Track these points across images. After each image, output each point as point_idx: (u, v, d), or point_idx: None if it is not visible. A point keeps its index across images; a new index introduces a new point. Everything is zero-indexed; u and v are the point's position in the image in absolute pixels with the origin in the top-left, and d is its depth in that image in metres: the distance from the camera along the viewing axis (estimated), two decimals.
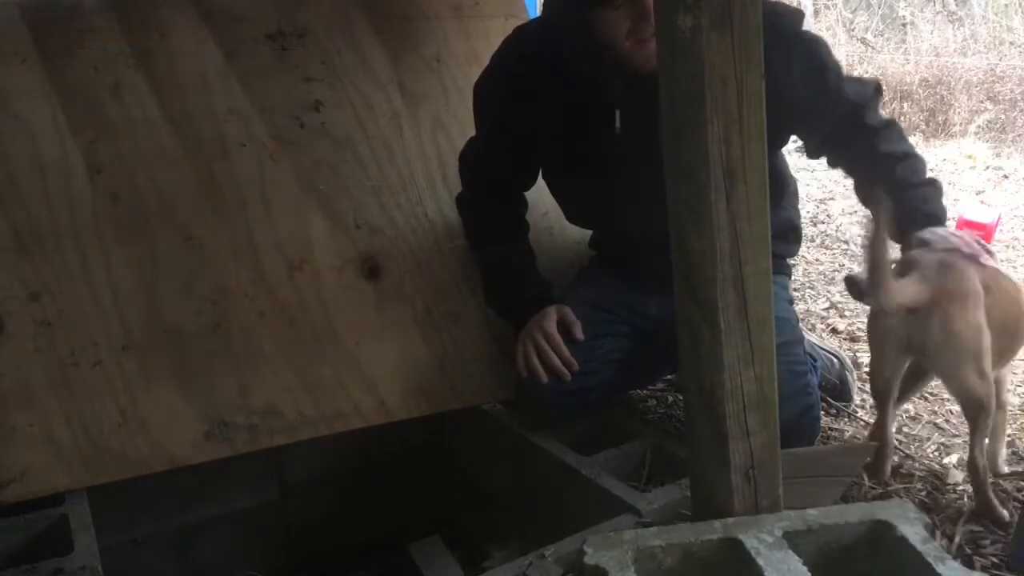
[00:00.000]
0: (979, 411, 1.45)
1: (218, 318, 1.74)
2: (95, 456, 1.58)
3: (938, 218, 1.60)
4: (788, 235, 1.85)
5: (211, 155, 1.81)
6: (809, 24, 8.27)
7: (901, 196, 1.59)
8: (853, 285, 1.83)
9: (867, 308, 2.65)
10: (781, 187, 1.78)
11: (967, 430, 1.83)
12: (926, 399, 2.00)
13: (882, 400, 1.61)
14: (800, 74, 1.58)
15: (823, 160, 1.80)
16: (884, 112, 1.72)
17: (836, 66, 1.66)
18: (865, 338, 2.44)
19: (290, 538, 2.09)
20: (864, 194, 1.73)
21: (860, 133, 1.67)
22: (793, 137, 1.87)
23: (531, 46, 1.73)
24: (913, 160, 1.66)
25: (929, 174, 1.69)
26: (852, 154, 1.73)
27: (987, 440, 1.56)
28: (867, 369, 2.20)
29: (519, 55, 1.76)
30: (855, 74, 1.78)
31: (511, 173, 1.86)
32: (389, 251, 1.91)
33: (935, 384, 2.05)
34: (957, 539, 1.43)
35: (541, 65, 1.68)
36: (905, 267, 1.52)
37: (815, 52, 1.63)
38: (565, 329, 1.77)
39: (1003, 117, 6.12)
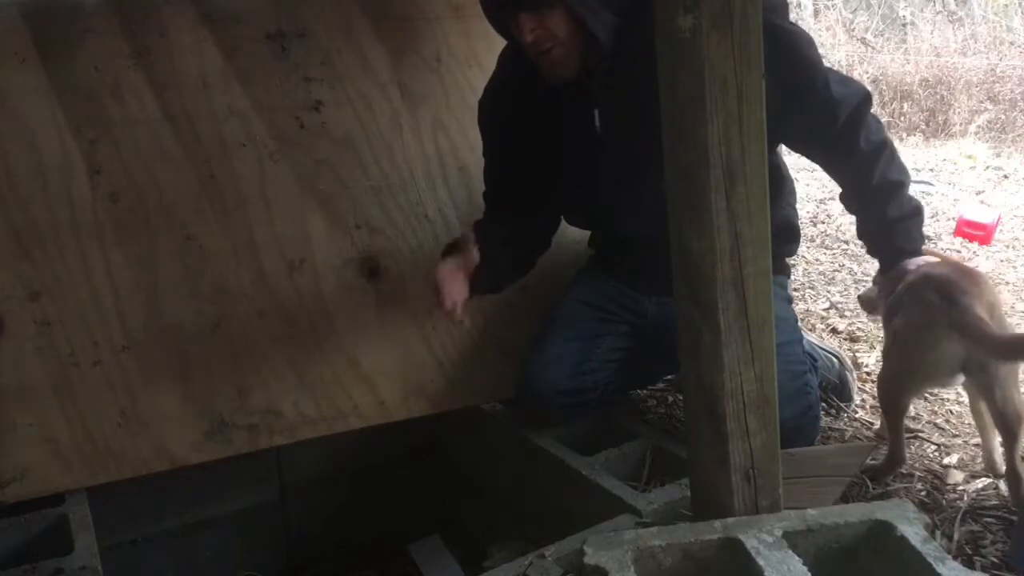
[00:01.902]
0: (1018, 422, 1.48)
1: (218, 318, 1.74)
2: (95, 456, 1.59)
3: (916, 252, 1.69)
4: (786, 234, 1.85)
5: (211, 155, 1.81)
6: (809, 24, 8.29)
7: (886, 232, 1.69)
8: (867, 302, 1.87)
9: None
10: (777, 184, 1.77)
11: (967, 431, 1.84)
12: (926, 399, 2.00)
13: (900, 418, 1.63)
14: (773, 68, 1.55)
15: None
16: (879, 118, 1.71)
17: (815, 63, 1.62)
18: (865, 338, 2.44)
19: (290, 538, 2.09)
20: (849, 205, 1.79)
21: (850, 153, 1.67)
22: None
23: (518, 50, 1.74)
24: (900, 190, 1.69)
25: (919, 190, 1.71)
26: (842, 171, 1.74)
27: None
28: (867, 369, 2.21)
29: (508, 59, 1.78)
30: (851, 75, 1.76)
31: (517, 179, 1.82)
32: (389, 251, 1.91)
33: None
34: (957, 539, 1.43)
35: (527, 68, 1.68)
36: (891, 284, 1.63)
37: (790, 44, 1.59)
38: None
39: (1003, 117, 6.13)
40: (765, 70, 1.49)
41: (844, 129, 1.65)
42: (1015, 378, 1.50)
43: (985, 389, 1.51)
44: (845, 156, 1.68)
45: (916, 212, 1.70)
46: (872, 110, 1.70)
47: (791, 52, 1.59)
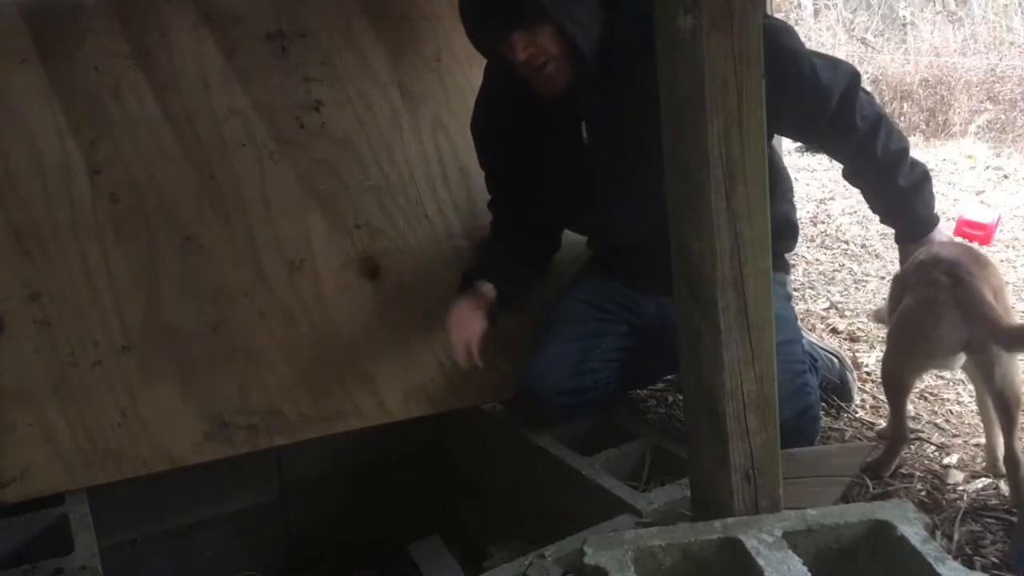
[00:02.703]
0: (1017, 404, 1.48)
1: (218, 318, 1.74)
2: (95, 456, 1.58)
3: (936, 218, 1.71)
4: (784, 231, 1.85)
5: (211, 155, 1.81)
6: (809, 24, 8.28)
7: (900, 201, 1.70)
8: (880, 316, 1.88)
9: (867, 307, 2.66)
10: (774, 180, 1.77)
11: (967, 431, 1.84)
12: (926, 399, 2.00)
13: (903, 397, 1.64)
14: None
15: (822, 159, 1.80)
16: (866, 97, 1.69)
17: (797, 52, 1.62)
18: (865, 338, 2.44)
19: (290, 538, 2.09)
20: (853, 180, 1.79)
21: (848, 134, 1.66)
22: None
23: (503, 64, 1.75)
24: (904, 158, 1.69)
25: (911, 153, 1.72)
26: (843, 151, 1.73)
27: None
28: (867, 369, 2.21)
29: (495, 73, 1.79)
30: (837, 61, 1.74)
31: (520, 193, 1.85)
32: (389, 251, 1.91)
33: (936, 384, 2.06)
34: (957, 539, 1.43)
35: (514, 80, 1.69)
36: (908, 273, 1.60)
37: (772, 38, 1.53)
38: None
39: (1003, 117, 6.12)
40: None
41: (838, 112, 1.64)
42: (1016, 361, 1.50)
43: (985, 369, 1.51)
44: (843, 137, 1.68)
45: (924, 177, 1.71)
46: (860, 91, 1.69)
47: (775, 47, 1.56)
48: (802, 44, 1.65)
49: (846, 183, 1.83)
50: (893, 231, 1.79)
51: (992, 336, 1.45)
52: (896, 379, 1.63)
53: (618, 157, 1.65)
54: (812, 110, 1.64)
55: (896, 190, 1.70)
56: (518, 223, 1.87)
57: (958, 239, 3.47)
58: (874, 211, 1.81)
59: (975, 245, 3.42)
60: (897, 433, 1.66)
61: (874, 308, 2.00)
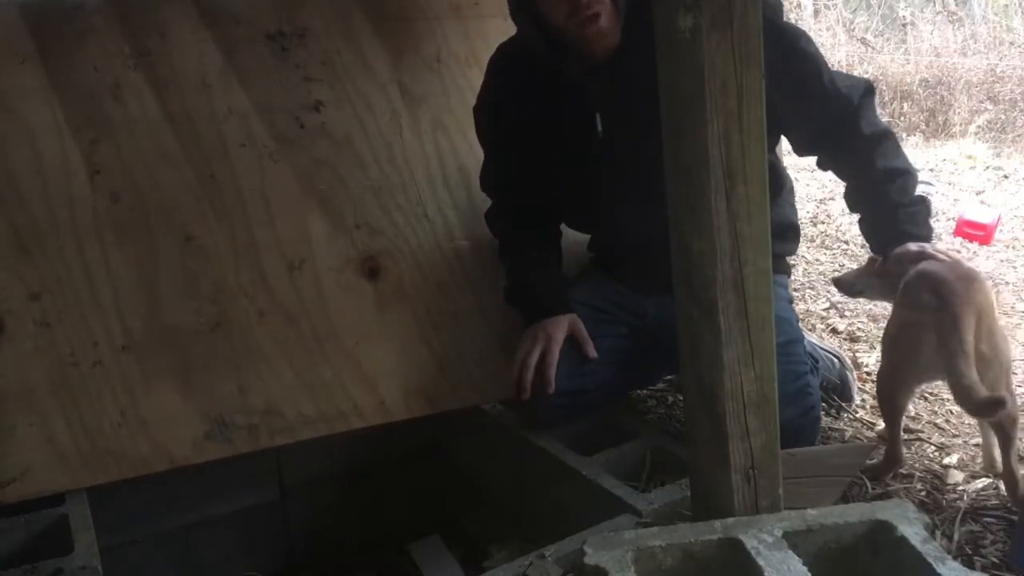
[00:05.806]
0: (1012, 424, 1.47)
1: (218, 318, 1.74)
2: (95, 456, 1.58)
3: (923, 239, 1.64)
4: (786, 233, 1.85)
5: (211, 155, 1.81)
6: (809, 24, 8.27)
7: (890, 215, 1.66)
8: (846, 285, 1.86)
9: (867, 307, 2.66)
10: (776, 184, 1.77)
11: (967, 431, 1.84)
12: (926, 399, 2.00)
13: (897, 416, 1.63)
14: (776, 65, 1.54)
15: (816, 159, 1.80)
16: (880, 116, 1.71)
17: (817, 58, 1.64)
18: (865, 338, 2.44)
19: (290, 538, 2.09)
20: (853, 202, 1.78)
21: (852, 138, 1.67)
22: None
23: (511, 56, 1.75)
24: (905, 178, 1.68)
25: (919, 189, 1.71)
26: (845, 160, 1.74)
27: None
28: (867, 369, 2.21)
29: (501, 67, 1.80)
30: (851, 72, 1.78)
31: (526, 182, 1.85)
32: (389, 251, 1.91)
33: (935, 384, 2.06)
34: (957, 539, 1.43)
35: (522, 72, 1.70)
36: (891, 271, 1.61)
37: (792, 42, 1.61)
38: (576, 343, 1.77)
39: (1003, 117, 6.11)
40: (768, 67, 1.49)
41: (849, 117, 1.66)
42: (1004, 378, 1.50)
43: None
44: (849, 142, 1.68)
45: (922, 201, 1.69)
46: (874, 102, 1.71)
47: (800, 50, 1.62)
48: (819, 51, 1.67)
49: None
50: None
51: (948, 378, 1.44)
52: (888, 398, 1.63)
53: (631, 152, 1.65)
54: (826, 113, 1.65)
55: (888, 203, 1.66)
56: (529, 218, 1.87)
57: (958, 239, 3.48)
58: (864, 230, 1.77)
59: (975, 245, 3.44)
60: (892, 454, 1.65)
61: (838, 275, 1.98)
